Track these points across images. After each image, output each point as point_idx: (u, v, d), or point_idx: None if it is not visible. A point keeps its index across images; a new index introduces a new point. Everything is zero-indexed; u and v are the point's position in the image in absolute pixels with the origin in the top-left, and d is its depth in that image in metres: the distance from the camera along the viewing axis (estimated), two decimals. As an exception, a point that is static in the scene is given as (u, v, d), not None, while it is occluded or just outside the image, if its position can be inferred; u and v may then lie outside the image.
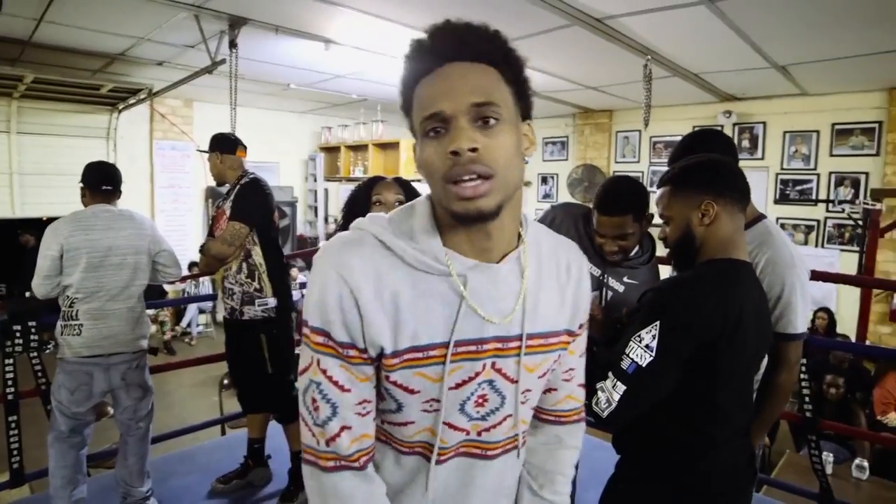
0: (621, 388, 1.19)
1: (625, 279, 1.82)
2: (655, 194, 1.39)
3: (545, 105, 6.90)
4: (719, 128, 6.35)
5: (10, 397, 2.41)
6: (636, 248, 1.81)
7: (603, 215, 1.68)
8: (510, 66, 0.77)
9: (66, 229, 2.26)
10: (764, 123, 6.18)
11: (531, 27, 3.84)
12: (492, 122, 0.72)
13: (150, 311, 7.10)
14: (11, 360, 2.39)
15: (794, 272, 1.53)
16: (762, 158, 6.22)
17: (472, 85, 0.72)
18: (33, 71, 5.15)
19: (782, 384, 1.54)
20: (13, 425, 2.42)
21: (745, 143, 6.28)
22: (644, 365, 1.17)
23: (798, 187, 6.03)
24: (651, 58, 4.32)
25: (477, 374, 0.81)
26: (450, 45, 0.74)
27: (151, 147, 7.29)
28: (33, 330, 2.38)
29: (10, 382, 2.40)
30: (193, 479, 2.71)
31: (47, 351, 2.19)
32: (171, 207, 7.51)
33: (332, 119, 8.81)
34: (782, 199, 6.13)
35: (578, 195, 7.47)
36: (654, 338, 1.17)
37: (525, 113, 0.80)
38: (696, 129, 6.47)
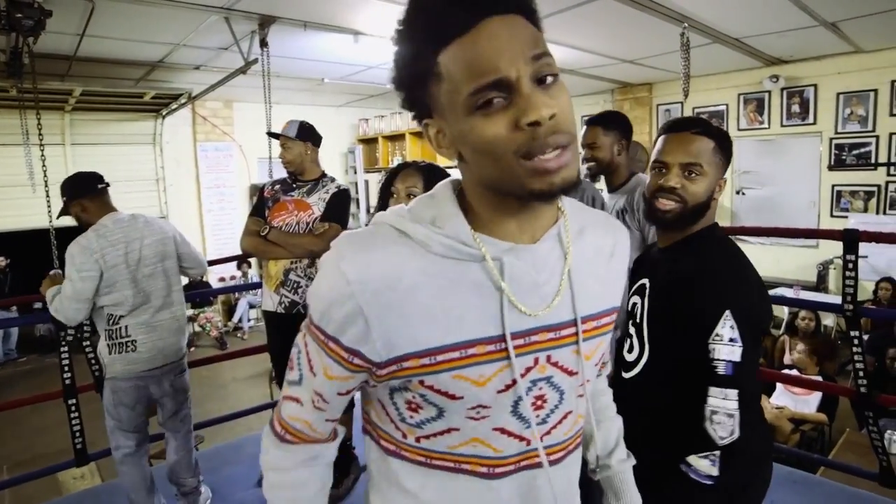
0: (733, 393, 1.07)
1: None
2: None
3: (582, 82, 6.73)
4: (766, 94, 6.07)
5: (67, 381, 2.52)
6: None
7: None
8: (537, 16, 0.65)
9: (97, 246, 2.14)
10: (815, 86, 5.84)
11: (561, 2, 3.74)
12: (549, 79, 0.61)
13: (190, 311, 7.42)
14: (66, 348, 2.51)
15: None
16: (814, 123, 5.89)
17: (525, 40, 0.60)
18: (81, 84, 5.40)
19: None
20: (73, 409, 2.53)
21: (795, 108, 5.95)
22: (739, 360, 1.08)
23: (855, 151, 5.69)
24: (688, 25, 4.14)
25: (528, 371, 0.70)
26: None
27: (195, 149, 7.53)
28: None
29: (66, 368, 2.51)
30: (243, 468, 2.81)
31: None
32: (218, 207, 7.75)
33: (369, 111, 8.86)
34: (838, 164, 5.80)
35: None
36: (733, 328, 1.07)
37: None
38: (741, 96, 6.32)
